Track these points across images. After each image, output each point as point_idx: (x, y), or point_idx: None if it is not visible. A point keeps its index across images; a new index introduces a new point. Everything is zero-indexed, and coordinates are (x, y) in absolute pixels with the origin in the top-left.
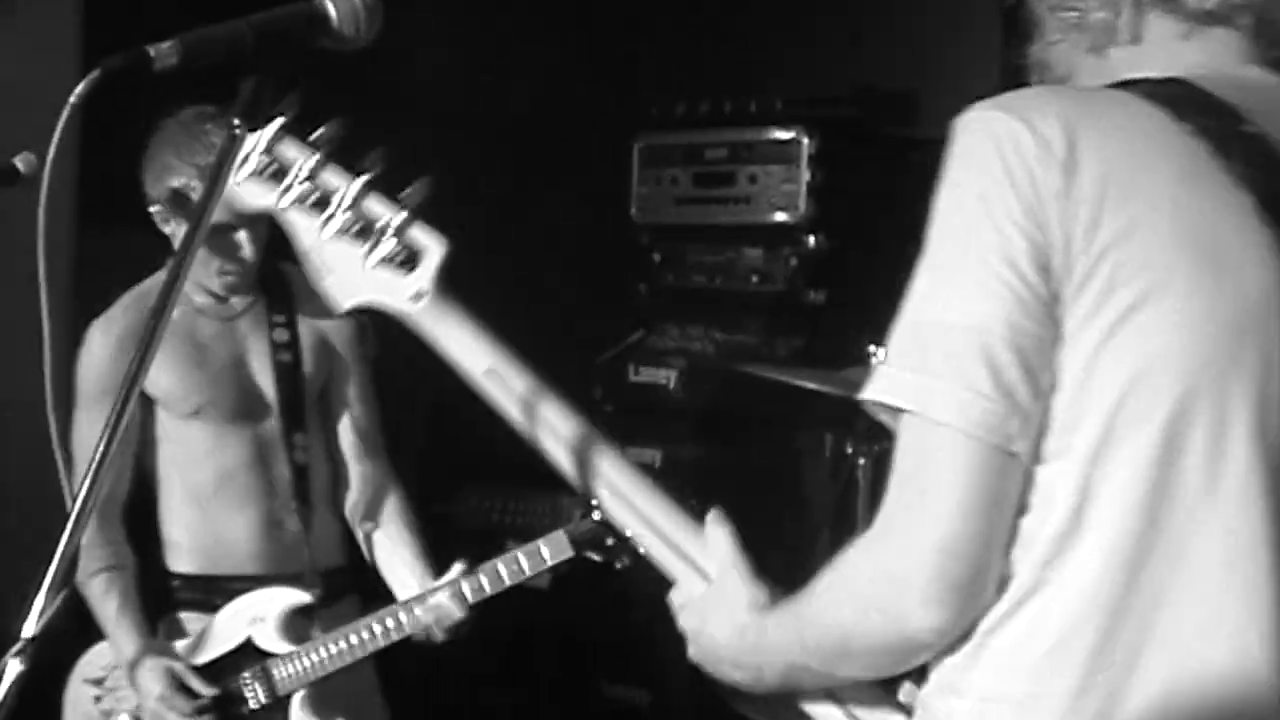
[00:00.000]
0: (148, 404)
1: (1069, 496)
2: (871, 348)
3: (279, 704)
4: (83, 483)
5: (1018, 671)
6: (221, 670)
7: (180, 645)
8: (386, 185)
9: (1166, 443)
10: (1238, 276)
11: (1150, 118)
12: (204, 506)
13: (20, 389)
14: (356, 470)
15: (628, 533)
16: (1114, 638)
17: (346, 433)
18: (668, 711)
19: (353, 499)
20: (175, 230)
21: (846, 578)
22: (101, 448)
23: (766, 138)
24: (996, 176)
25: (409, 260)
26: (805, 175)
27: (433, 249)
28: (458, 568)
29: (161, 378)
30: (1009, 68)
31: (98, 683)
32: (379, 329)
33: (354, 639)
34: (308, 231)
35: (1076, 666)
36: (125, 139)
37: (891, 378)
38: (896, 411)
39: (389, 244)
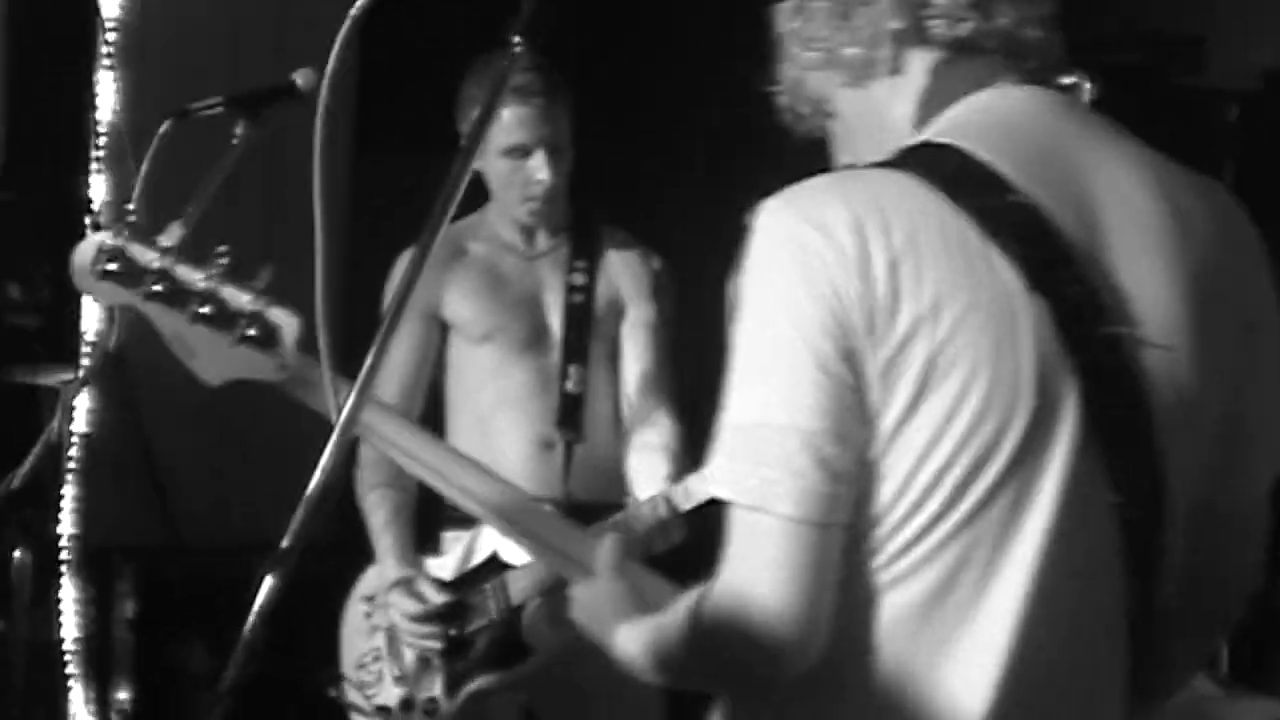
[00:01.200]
0: (444, 330)
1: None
2: None
3: (515, 613)
4: (348, 401)
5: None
6: (467, 583)
7: (435, 561)
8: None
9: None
10: (1018, 350)
11: (928, 201)
12: (482, 428)
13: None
14: (635, 408)
15: None
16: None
17: (631, 376)
18: None
19: (631, 433)
20: (485, 165)
21: (715, 634)
22: (365, 371)
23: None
24: (794, 284)
25: (268, 338)
26: None
27: (288, 326)
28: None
29: (460, 305)
30: None
31: (369, 599)
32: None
33: None
34: (169, 321)
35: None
36: (409, 67)
37: (733, 476)
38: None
39: (248, 327)
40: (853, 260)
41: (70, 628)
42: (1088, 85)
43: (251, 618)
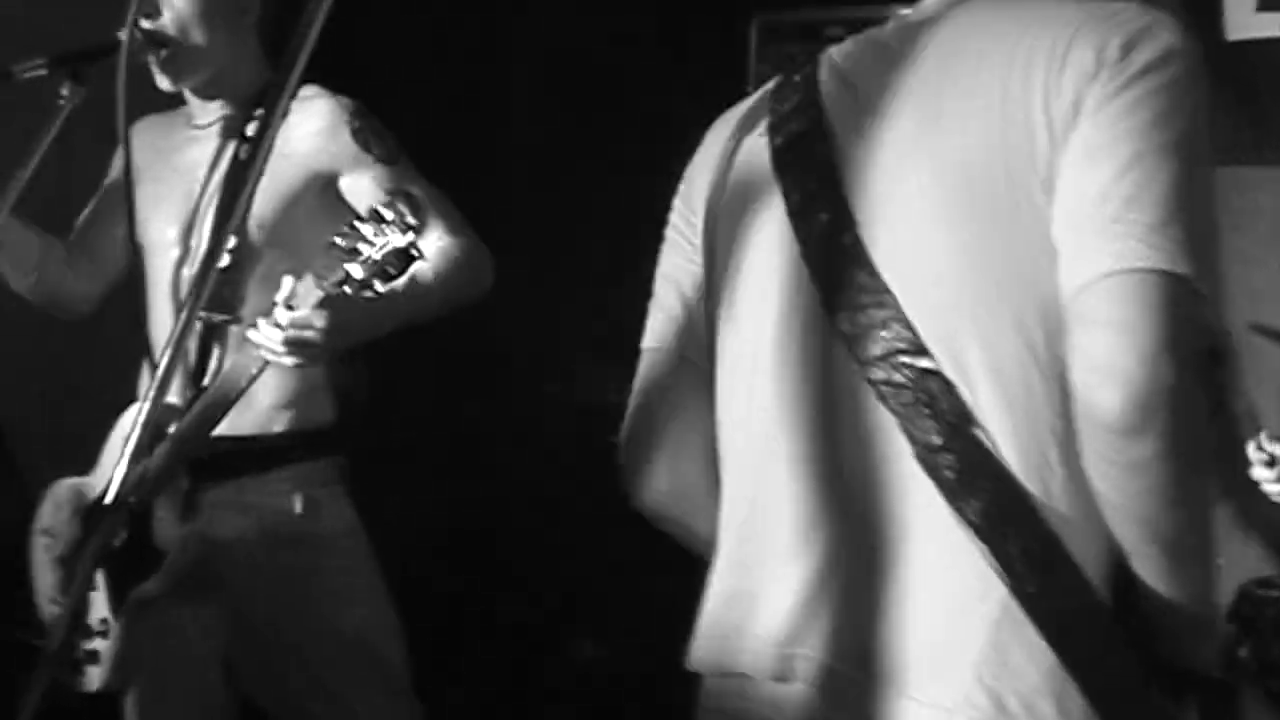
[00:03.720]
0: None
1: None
2: None
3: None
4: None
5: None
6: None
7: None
8: None
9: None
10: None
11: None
12: (139, 321)
13: None
14: None
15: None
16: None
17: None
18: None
19: None
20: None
21: None
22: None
23: (887, 15)
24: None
25: None
26: None
27: None
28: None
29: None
30: None
31: (46, 532)
32: None
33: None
34: None
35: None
36: None
37: None
38: None
39: None
40: (690, 171)
41: None
42: None
43: None
